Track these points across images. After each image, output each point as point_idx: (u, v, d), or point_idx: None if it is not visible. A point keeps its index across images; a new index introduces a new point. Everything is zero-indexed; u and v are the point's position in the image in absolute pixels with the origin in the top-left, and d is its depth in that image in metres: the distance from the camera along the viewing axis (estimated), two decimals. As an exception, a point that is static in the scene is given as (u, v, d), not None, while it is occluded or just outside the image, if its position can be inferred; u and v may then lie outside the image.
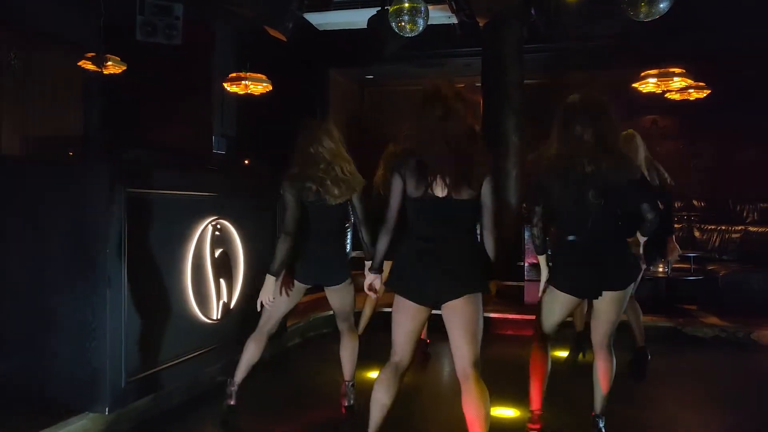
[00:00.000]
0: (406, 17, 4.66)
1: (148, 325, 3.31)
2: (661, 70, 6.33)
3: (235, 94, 7.39)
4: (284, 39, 5.68)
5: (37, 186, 3.25)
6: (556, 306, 2.99)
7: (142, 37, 5.30)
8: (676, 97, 7.71)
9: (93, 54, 6.86)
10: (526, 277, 6.45)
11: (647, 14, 4.89)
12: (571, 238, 2.86)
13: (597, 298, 2.89)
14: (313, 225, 3.17)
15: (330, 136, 3.17)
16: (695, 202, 8.51)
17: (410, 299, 2.55)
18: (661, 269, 6.24)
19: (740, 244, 7.29)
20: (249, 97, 7.58)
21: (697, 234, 7.64)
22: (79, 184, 3.14)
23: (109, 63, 6.90)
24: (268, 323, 3.31)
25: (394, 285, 2.60)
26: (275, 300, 3.18)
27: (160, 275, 3.44)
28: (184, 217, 3.64)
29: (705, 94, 7.57)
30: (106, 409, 3.05)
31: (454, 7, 6.87)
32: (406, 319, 2.58)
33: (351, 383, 3.40)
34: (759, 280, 6.04)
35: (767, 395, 4.12)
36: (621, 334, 3.30)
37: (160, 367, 3.43)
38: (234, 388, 3.33)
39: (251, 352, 3.30)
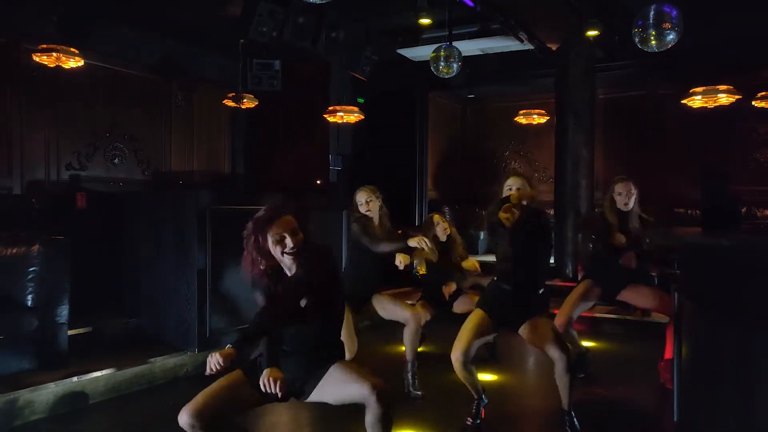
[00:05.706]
0: (442, 63, 5.76)
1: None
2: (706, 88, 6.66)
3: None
4: (364, 78, 7.02)
5: (156, 205, 4.97)
6: None
7: (252, 87, 6.98)
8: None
9: (233, 94, 8.77)
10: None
11: (659, 46, 5.49)
12: None
13: None
14: None
15: None
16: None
17: None
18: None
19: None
20: (362, 122, 9.06)
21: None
22: (178, 203, 4.78)
23: (245, 100, 8.76)
24: None
25: None
26: None
27: (236, 263, 4.96)
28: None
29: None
30: (196, 350, 4.62)
31: (523, 39, 7.72)
32: None
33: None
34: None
35: None
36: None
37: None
38: None
39: None
